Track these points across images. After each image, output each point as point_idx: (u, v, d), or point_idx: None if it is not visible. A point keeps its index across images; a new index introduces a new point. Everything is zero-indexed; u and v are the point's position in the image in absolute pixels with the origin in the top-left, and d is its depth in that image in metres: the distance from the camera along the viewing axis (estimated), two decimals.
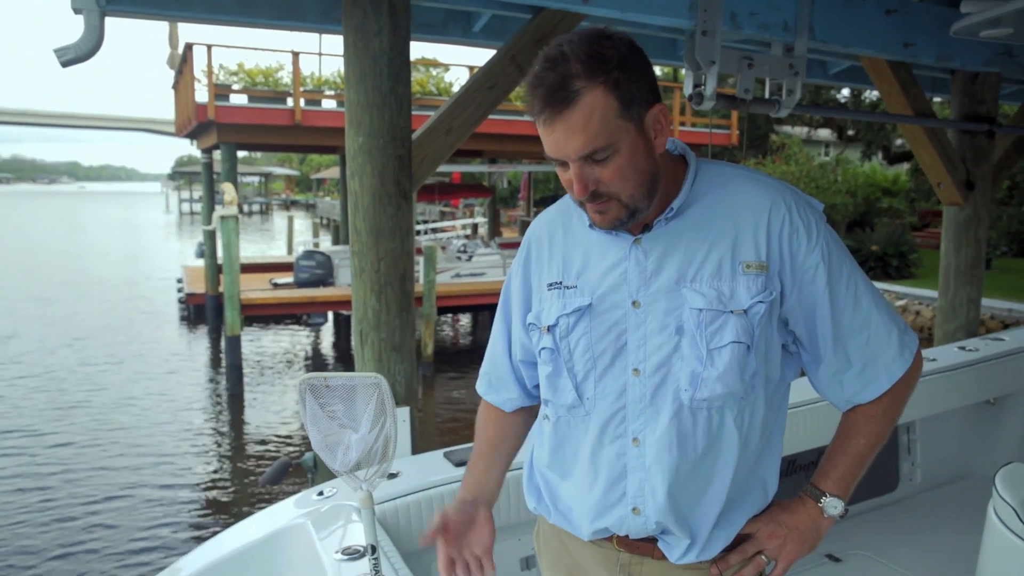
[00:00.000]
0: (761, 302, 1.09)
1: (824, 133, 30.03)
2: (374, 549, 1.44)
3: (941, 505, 3.10)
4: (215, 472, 7.08)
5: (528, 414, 1.38)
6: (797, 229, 1.11)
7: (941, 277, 4.66)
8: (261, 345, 12.26)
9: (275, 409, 8.89)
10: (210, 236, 12.81)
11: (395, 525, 2.05)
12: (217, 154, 13.71)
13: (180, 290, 15.39)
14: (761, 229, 1.10)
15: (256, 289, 11.49)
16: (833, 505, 1.17)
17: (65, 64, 2.96)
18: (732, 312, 1.08)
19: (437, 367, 10.43)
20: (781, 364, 1.17)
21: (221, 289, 10.92)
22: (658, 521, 1.12)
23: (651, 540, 1.16)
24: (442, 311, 11.76)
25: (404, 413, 2.51)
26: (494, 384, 1.36)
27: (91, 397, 9.10)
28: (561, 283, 1.18)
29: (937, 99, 7.37)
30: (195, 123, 12.73)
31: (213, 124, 12.31)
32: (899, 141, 23.51)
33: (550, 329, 1.18)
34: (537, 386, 1.30)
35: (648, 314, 1.11)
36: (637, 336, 1.12)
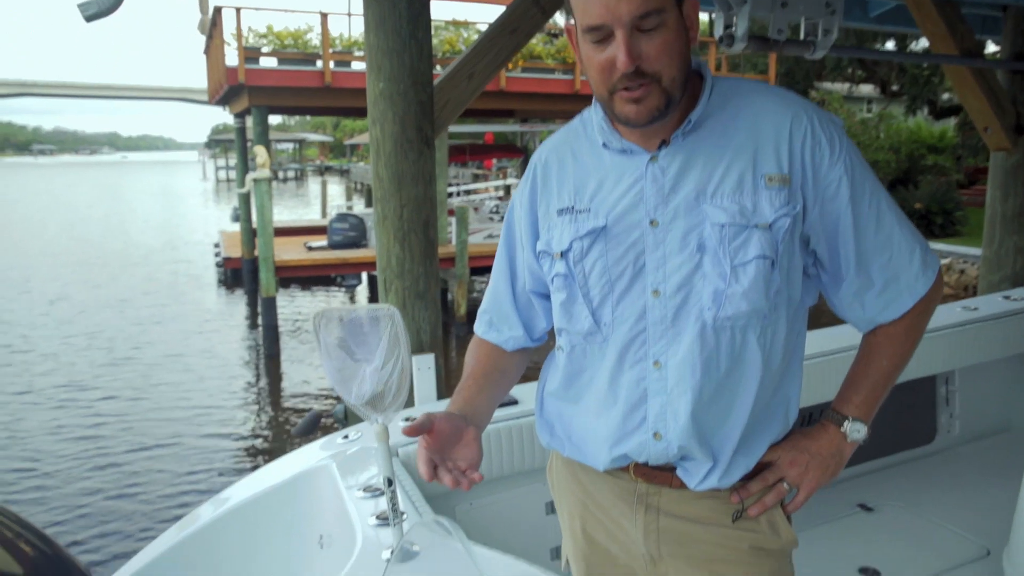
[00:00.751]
0: (785, 216, 1.05)
1: (866, 89, 29.02)
2: (390, 482, 1.44)
3: (978, 458, 3.02)
4: (253, 424, 7.35)
5: (525, 357, 1.34)
6: (819, 141, 1.06)
7: (986, 226, 4.49)
8: (297, 307, 12.44)
9: (310, 367, 9.06)
10: (244, 200, 12.94)
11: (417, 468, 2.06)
12: (250, 119, 13.79)
13: (217, 255, 15.63)
14: (783, 141, 1.05)
15: (291, 252, 11.62)
16: (856, 429, 1.14)
17: (89, 19, 2.96)
18: (756, 226, 1.04)
19: (470, 327, 10.41)
20: (801, 286, 1.12)
21: (256, 253, 11.07)
22: (680, 445, 1.09)
23: (669, 469, 1.13)
24: (475, 272, 11.77)
25: (429, 360, 2.50)
26: (495, 323, 1.32)
27: (136, 355, 9.41)
28: (573, 207, 1.14)
29: (989, 47, 7.03)
30: (226, 87, 12.79)
31: (244, 88, 12.35)
32: (946, 95, 22.61)
33: (563, 255, 1.14)
34: (540, 327, 1.28)
35: (667, 233, 1.07)
36: (656, 256, 1.08)
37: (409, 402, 2.89)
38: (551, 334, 1.29)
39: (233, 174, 42.08)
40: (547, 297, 1.24)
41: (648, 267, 1.08)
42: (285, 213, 24.09)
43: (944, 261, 11.45)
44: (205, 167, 65.64)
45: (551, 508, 2.29)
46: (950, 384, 3.08)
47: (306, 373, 8.85)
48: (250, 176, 10.61)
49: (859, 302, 1.13)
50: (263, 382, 8.67)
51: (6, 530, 0.92)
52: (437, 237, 2.78)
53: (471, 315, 11.02)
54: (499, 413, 2.19)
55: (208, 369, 8.89)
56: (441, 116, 2.70)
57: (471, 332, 1.40)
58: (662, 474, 1.13)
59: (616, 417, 1.12)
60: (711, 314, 1.06)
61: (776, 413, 1.13)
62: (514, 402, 2.24)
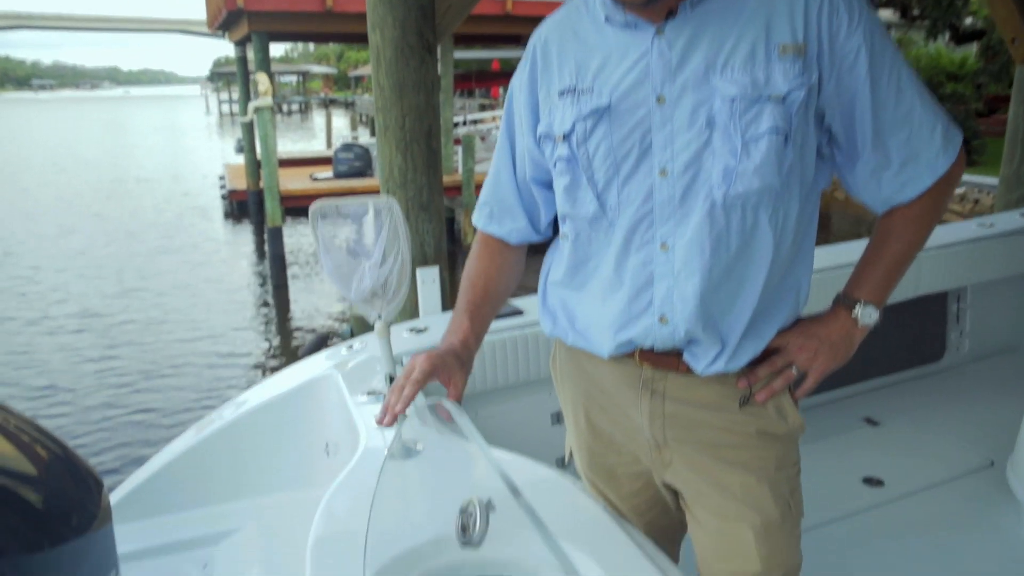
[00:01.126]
0: (800, 87, 0.98)
1: (886, 14, 28.07)
2: (392, 379, 1.43)
3: (986, 376, 3.00)
4: (262, 348, 7.52)
5: (524, 254, 1.31)
6: (837, 9, 0.99)
7: (1007, 144, 4.36)
8: (305, 237, 12.43)
9: (317, 296, 9.12)
10: (248, 130, 12.78)
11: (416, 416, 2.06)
12: (250, 48, 13.48)
13: (223, 187, 15.55)
14: (798, 9, 0.98)
15: (296, 182, 11.52)
16: (868, 314, 1.10)
17: None
18: (769, 99, 0.98)
19: None
20: (815, 167, 1.07)
21: (261, 184, 10.98)
22: (687, 330, 1.05)
23: (676, 354, 1.10)
24: None
25: (434, 272, 2.47)
26: (497, 214, 1.27)
27: (147, 284, 9.54)
28: (575, 87, 1.08)
29: None
30: (225, 12, 12.45)
31: (243, 12, 12.03)
32: (969, 20, 21.83)
33: (566, 137, 1.09)
34: (544, 219, 1.24)
35: (675, 109, 1.01)
36: (663, 134, 1.02)
37: (414, 313, 2.88)
38: (556, 229, 1.25)
39: (236, 108, 41.54)
40: (549, 186, 1.19)
41: (655, 146, 1.03)
42: (289, 145, 23.87)
43: (959, 191, 11.26)
44: (208, 101, 64.77)
45: (557, 418, 2.30)
46: (961, 301, 3.04)
47: (314, 302, 8.91)
48: (252, 104, 10.42)
49: (875, 181, 1.07)
50: (271, 311, 8.75)
51: (22, 433, 0.93)
52: (440, 148, 2.71)
53: None
54: (504, 324, 2.17)
55: (216, 298, 8.98)
56: (443, 22, 2.59)
57: None
58: (668, 359, 1.10)
59: (621, 302, 1.09)
60: (721, 192, 1.01)
61: (786, 297, 1.10)
62: (519, 312, 2.22)
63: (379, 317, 1.38)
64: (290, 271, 10.02)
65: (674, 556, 1.35)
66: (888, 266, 1.11)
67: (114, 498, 1.80)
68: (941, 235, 2.85)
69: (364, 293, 1.36)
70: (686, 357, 1.08)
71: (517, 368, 2.16)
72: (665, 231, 1.05)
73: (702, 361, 1.07)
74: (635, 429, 1.17)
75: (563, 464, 1.49)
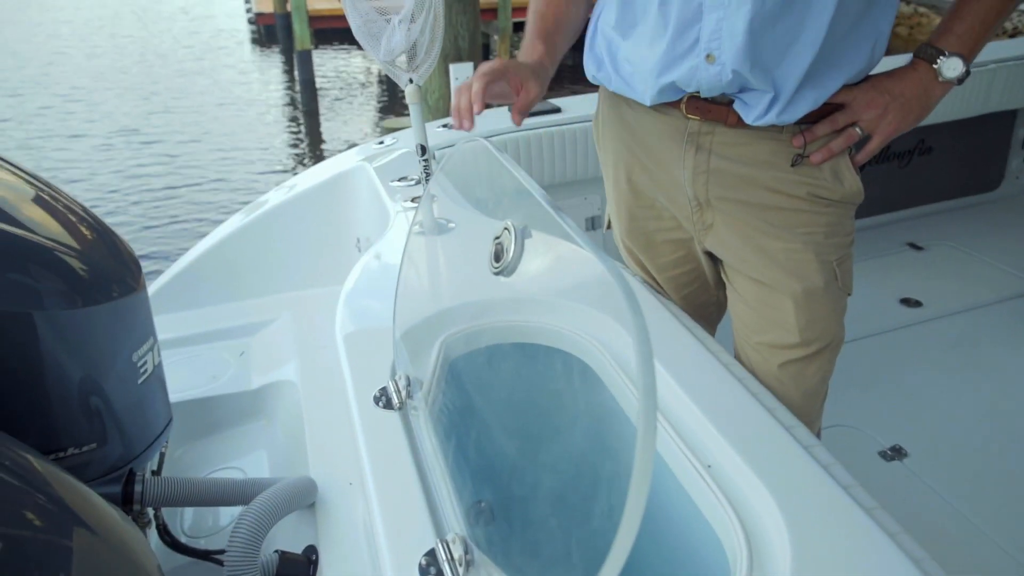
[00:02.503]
0: None
1: None
2: (424, 150, 1.37)
3: None
4: (295, 163, 7.60)
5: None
6: None
7: None
8: (337, 63, 12.05)
9: (348, 120, 8.99)
10: None
11: (452, 170, 2.01)
12: None
13: (248, 10, 14.96)
14: None
15: (325, 1, 10.99)
16: (952, 66, 0.97)
17: None
18: None
19: None
20: None
21: (288, 6, 10.48)
22: (735, 70, 0.95)
23: (725, 103, 1.01)
24: (518, 27, 11.08)
25: (467, 68, 2.34)
26: None
27: (177, 103, 9.46)
28: None
29: None
30: None
31: None
32: None
33: None
34: None
35: None
36: None
37: (446, 112, 2.78)
38: None
39: None
40: None
41: None
42: None
43: None
44: None
45: (591, 223, 2.25)
46: None
47: (345, 130, 8.78)
48: None
49: None
50: (301, 134, 8.67)
51: (68, 211, 0.95)
52: None
53: None
54: (541, 120, 2.09)
55: (246, 122, 8.89)
56: None
57: None
58: (717, 108, 1.01)
59: (666, 41, 0.98)
60: None
61: (860, 46, 0.97)
62: (557, 110, 2.11)
63: (410, 81, 1.30)
64: (322, 103, 9.78)
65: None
66: (981, 15, 0.96)
67: (152, 289, 1.84)
68: (1016, 47, 2.61)
69: (394, 52, 1.28)
70: (736, 106, 0.99)
71: (553, 167, 2.09)
72: None
73: (753, 111, 0.98)
74: (677, 189, 1.10)
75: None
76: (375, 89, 10.92)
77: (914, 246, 2.66)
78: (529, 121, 2.07)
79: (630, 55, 1.06)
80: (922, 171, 2.85)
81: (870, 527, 0.73)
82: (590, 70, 1.14)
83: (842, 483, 0.78)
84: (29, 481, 0.62)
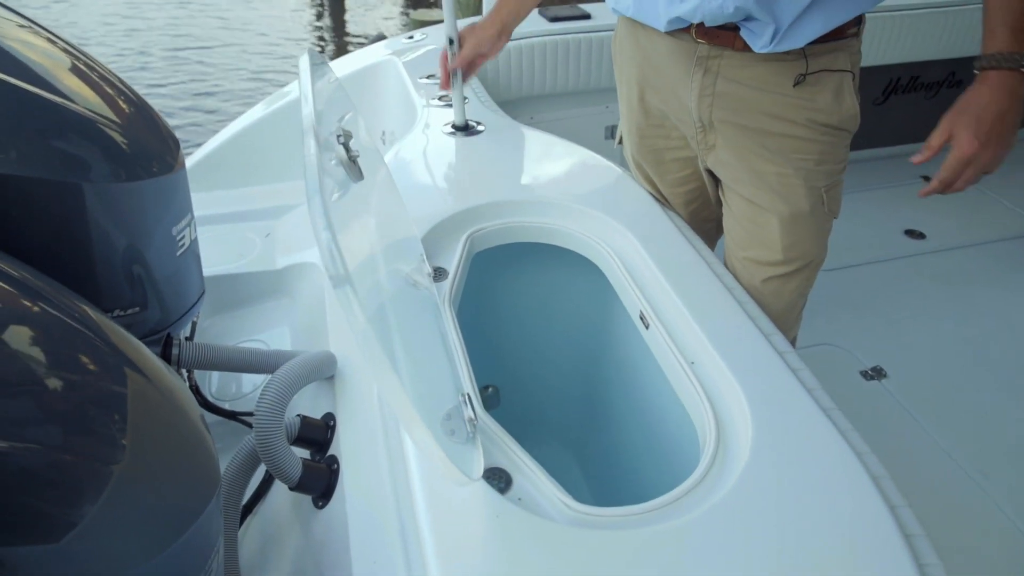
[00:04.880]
0: None
1: None
2: (452, 42, 1.39)
3: None
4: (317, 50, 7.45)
5: None
6: None
7: None
8: None
9: (375, 15, 8.76)
10: None
11: (484, 77, 2.02)
12: None
13: None
14: None
15: None
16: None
17: None
18: None
19: None
20: None
21: None
22: (737, 7, 0.98)
23: (732, 29, 1.03)
24: None
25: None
26: None
27: None
28: None
29: None
30: None
31: None
32: None
33: None
34: None
35: None
36: None
37: (477, 10, 2.73)
38: None
39: None
40: None
41: None
42: None
43: None
44: None
45: (611, 132, 2.27)
46: None
47: (370, 20, 8.57)
48: None
49: None
50: (328, 31, 8.47)
51: (108, 85, 0.94)
52: None
53: None
54: (569, 26, 2.07)
55: (269, 10, 8.67)
56: None
57: None
58: (724, 34, 1.04)
59: None
60: None
61: None
62: (586, 16, 2.10)
63: None
64: None
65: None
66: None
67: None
68: None
69: None
70: (743, 33, 1.02)
71: (578, 73, 2.10)
72: None
73: (759, 39, 1.01)
74: (684, 110, 1.15)
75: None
76: None
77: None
78: (556, 26, 2.06)
79: None
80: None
81: (827, 425, 0.82)
82: (609, 1, 1.17)
83: (807, 386, 0.87)
84: (88, 326, 0.65)
